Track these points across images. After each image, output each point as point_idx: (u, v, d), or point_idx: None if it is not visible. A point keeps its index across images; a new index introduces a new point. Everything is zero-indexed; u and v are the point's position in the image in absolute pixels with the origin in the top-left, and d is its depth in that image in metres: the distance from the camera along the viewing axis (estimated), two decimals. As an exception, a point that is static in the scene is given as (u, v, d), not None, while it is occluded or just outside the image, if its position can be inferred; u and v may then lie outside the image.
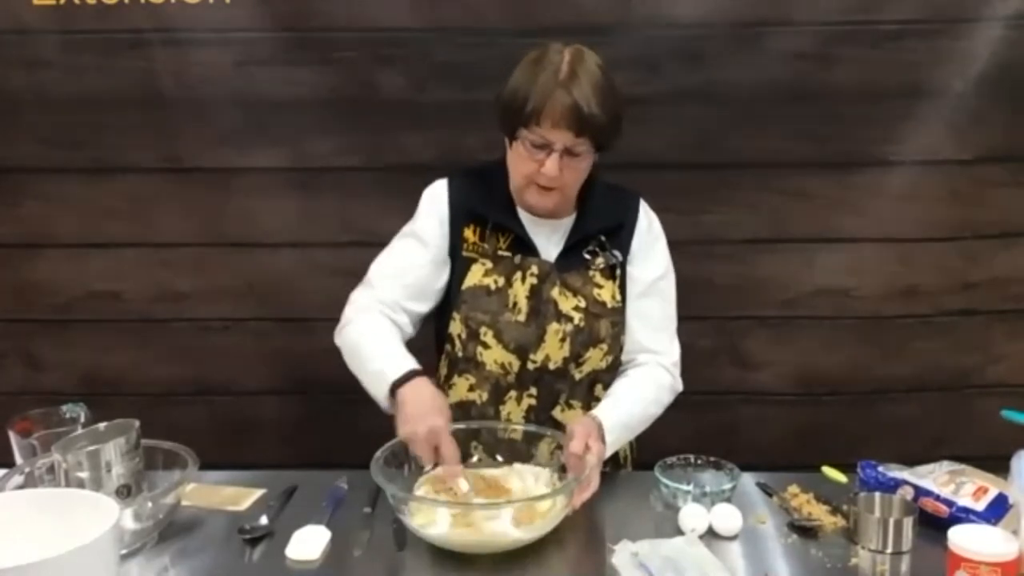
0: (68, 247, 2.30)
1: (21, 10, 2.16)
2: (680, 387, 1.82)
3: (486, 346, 1.70)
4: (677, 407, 1.83)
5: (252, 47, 2.17)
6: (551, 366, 1.71)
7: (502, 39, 2.12)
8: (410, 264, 1.73)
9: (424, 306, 1.75)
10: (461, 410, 1.73)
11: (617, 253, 1.75)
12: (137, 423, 1.54)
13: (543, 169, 1.62)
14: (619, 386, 1.75)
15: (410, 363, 1.60)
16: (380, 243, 1.79)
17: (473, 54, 2.15)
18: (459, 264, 1.73)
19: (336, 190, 2.26)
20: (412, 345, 1.70)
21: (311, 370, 2.29)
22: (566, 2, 2.14)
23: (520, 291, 1.70)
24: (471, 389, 1.74)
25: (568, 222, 1.76)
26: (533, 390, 1.73)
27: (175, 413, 2.35)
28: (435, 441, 1.51)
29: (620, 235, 1.76)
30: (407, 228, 1.77)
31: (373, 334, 1.66)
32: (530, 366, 1.71)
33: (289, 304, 2.29)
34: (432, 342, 1.83)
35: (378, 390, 1.60)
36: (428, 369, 1.65)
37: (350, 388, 1.65)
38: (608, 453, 1.64)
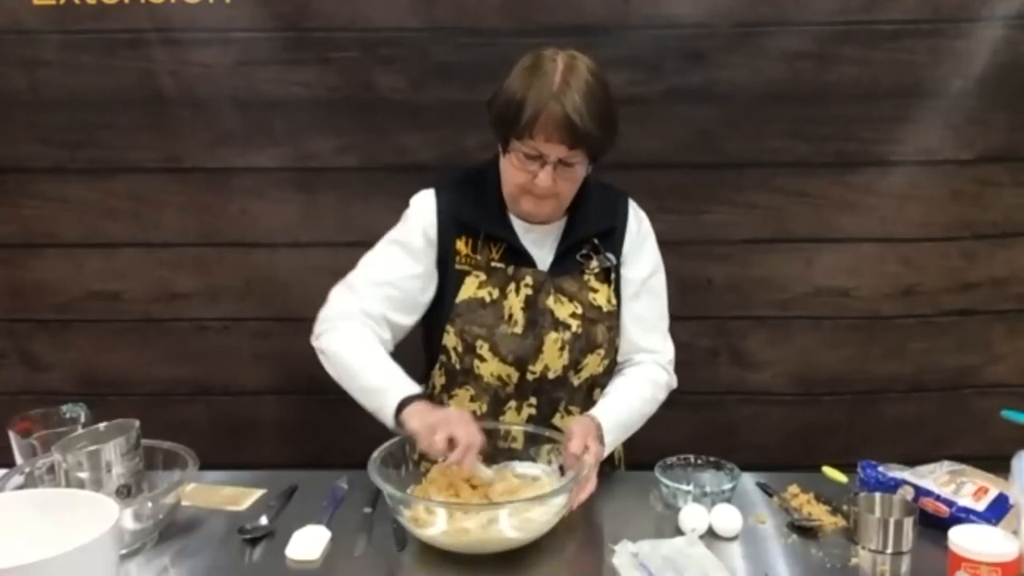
0: (68, 247, 2.30)
1: (20, 10, 2.15)
2: (675, 384, 1.81)
3: (483, 359, 1.69)
4: (676, 407, 1.83)
5: (252, 47, 2.17)
6: (550, 375, 1.70)
7: (501, 39, 2.12)
8: (399, 275, 1.69)
9: (409, 319, 1.72)
10: None
11: (611, 256, 1.74)
12: (137, 423, 1.55)
13: (536, 181, 1.60)
14: (616, 385, 1.75)
15: (413, 386, 1.59)
16: (379, 243, 1.78)
17: (472, 54, 2.15)
18: (452, 277, 1.70)
19: (335, 190, 2.25)
20: (401, 352, 1.70)
21: (311, 370, 2.27)
22: (566, 2, 2.14)
23: (515, 303, 1.68)
24: (471, 400, 1.73)
25: (560, 226, 1.74)
26: (533, 400, 1.72)
27: (175, 413, 2.35)
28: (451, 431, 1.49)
29: (612, 238, 1.75)
30: (394, 235, 1.73)
31: (365, 349, 1.64)
32: (529, 377, 1.70)
33: (289, 304, 2.28)
34: (420, 350, 1.81)
35: (382, 405, 1.57)
36: (416, 378, 1.65)
37: (350, 388, 1.65)
38: (606, 453, 1.64)
